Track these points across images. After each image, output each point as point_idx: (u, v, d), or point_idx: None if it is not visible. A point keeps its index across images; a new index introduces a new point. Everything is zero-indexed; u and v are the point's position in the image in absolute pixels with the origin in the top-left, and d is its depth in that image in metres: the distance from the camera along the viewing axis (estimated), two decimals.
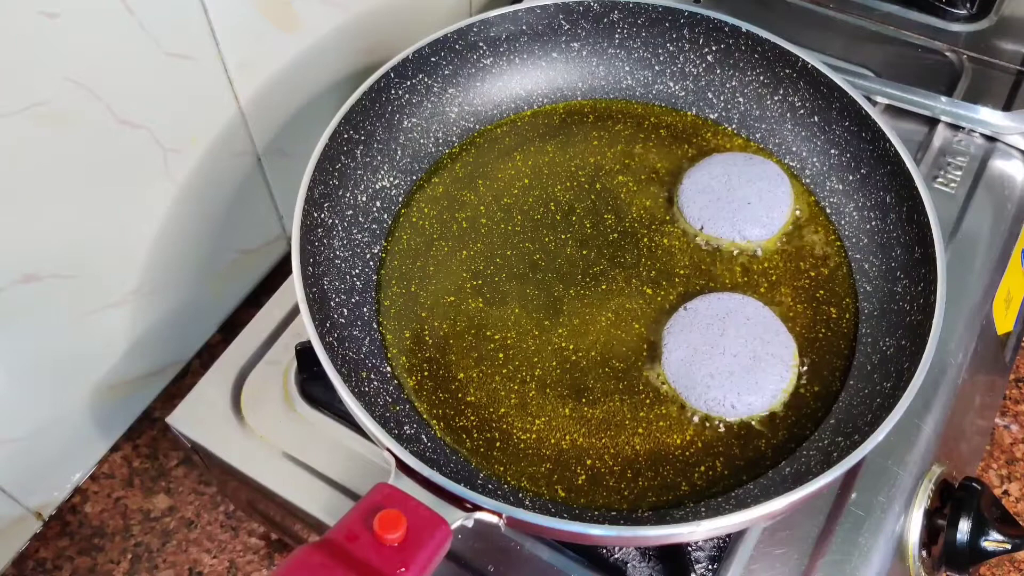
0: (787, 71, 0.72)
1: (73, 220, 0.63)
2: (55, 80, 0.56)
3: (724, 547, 0.58)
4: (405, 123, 0.72)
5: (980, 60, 0.86)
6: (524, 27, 0.74)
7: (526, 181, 0.72)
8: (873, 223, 0.67)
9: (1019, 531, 0.59)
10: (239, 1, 0.66)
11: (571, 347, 0.63)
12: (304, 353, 0.65)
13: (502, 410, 0.60)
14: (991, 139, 0.80)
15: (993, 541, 0.59)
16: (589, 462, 0.58)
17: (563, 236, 0.69)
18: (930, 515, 0.61)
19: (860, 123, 0.68)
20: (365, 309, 0.64)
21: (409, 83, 0.71)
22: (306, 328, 0.55)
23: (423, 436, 0.59)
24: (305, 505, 0.61)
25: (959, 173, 0.78)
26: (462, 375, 0.62)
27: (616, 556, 0.58)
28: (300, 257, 0.58)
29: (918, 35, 0.88)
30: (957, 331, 0.69)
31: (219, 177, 0.74)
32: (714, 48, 0.74)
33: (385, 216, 0.70)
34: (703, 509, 0.55)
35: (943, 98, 0.81)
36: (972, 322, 0.70)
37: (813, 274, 0.67)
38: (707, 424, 0.60)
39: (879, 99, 0.82)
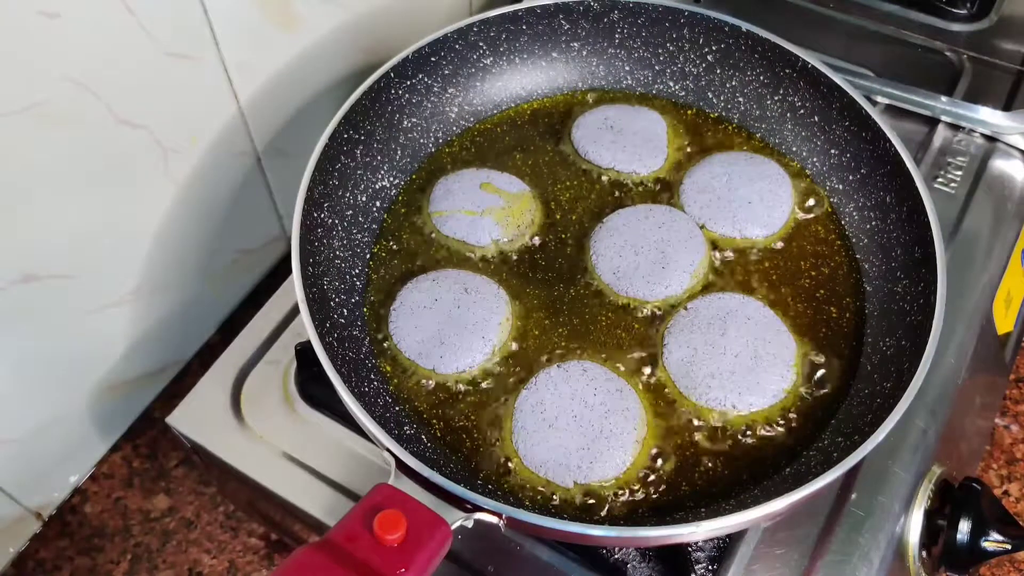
0: (787, 71, 0.72)
1: (73, 220, 0.63)
2: (55, 80, 0.56)
3: (724, 547, 0.58)
4: (405, 123, 0.72)
5: (980, 60, 0.86)
6: (524, 27, 0.74)
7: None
8: (873, 223, 0.67)
9: (1019, 531, 0.59)
10: (239, 1, 0.66)
11: (571, 347, 0.63)
12: (304, 353, 0.65)
13: (503, 410, 0.60)
14: (991, 139, 0.80)
15: (993, 541, 0.59)
16: None
17: (563, 235, 0.69)
18: (930, 515, 0.61)
19: (860, 123, 0.68)
20: (365, 309, 0.64)
21: (409, 83, 0.71)
22: (306, 328, 0.55)
23: (423, 436, 0.59)
24: (305, 505, 0.61)
25: (959, 173, 0.78)
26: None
27: (616, 556, 0.58)
28: (300, 257, 0.58)
29: (918, 35, 0.88)
30: (957, 331, 0.69)
31: (219, 177, 0.74)
32: (714, 48, 0.74)
33: (385, 216, 0.69)
34: (703, 509, 0.55)
35: (943, 98, 0.81)
36: (972, 322, 0.70)
37: (814, 274, 0.67)
38: (708, 424, 0.59)
39: (879, 99, 0.82)
